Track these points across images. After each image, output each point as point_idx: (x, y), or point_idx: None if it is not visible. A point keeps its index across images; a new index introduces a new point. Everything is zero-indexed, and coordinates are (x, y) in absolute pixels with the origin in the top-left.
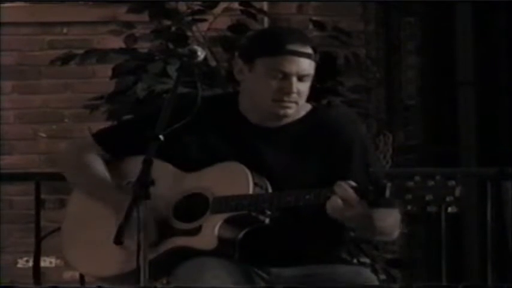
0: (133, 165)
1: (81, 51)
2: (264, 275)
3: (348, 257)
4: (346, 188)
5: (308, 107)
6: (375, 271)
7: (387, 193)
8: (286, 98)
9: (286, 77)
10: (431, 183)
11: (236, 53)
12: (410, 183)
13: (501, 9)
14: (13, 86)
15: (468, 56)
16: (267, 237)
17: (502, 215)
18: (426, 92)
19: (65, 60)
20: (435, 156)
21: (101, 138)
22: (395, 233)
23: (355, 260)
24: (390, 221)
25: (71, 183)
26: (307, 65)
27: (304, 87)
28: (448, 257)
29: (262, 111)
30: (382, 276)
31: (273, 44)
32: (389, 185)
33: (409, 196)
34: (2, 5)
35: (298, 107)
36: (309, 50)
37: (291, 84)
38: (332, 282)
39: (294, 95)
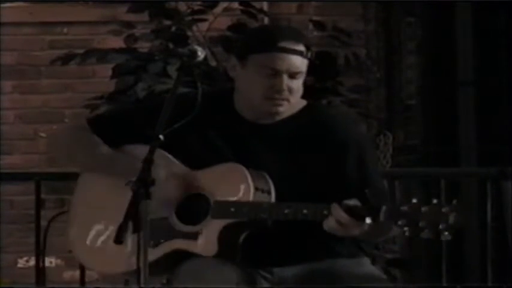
0: (129, 157)
1: (81, 51)
2: (267, 275)
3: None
4: (340, 212)
5: (303, 102)
6: None
7: (381, 217)
8: (277, 96)
9: (277, 74)
10: (425, 209)
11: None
12: (405, 208)
13: (501, 9)
14: (13, 86)
15: (468, 56)
16: (268, 238)
17: (502, 215)
18: (426, 92)
19: (65, 60)
20: (435, 156)
21: (97, 127)
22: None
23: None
24: (384, 233)
25: (72, 163)
26: (298, 62)
27: (295, 85)
28: (448, 257)
29: (255, 109)
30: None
31: (264, 40)
32: (384, 208)
33: (403, 221)
34: (2, 5)
35: (290, 104)
36: (301, 48)
37: (281, 81)
38: (334, 275)
39: (285, 92)
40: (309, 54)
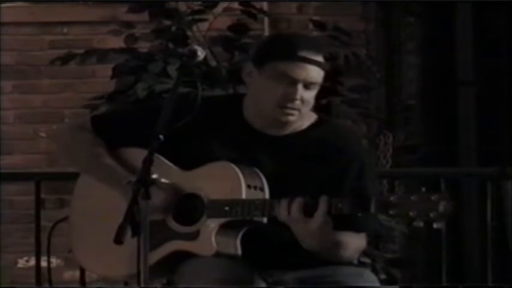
0: (129, 159)
1: (81, 51)
2: (266, 277)
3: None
4: (287, 205)
5: (313, 117)
6: (375, 271)
7: (372, 208)
8: (289, 105)
9: (293, 83)
10: (414, 198)
11: (242, 55)
12: (394, 198)
13: (501, 9)
14: (13, 86)
15: (468, 56)
16: (268, 241)
17: (502, 215)
18: (426, 92)
19: (65, 60)
20: (435, 156)
21: (100, 127)
22: (354, 257)
23: (355, 260)
24: (352, 246)
25: (71, 164)
26: (315, 73)
27: (309, 96)
28: (448, 257)
29: (265, 117)
30: (382, 276)
31: (285, 49)
32: (373, 199)
33: (393, 211)
34: (2, 5)
35: (301, 115)
36: (320, 59)
37: (296, 91)
38: (333, 284)
39: (297, 102)
40: (327, 66)
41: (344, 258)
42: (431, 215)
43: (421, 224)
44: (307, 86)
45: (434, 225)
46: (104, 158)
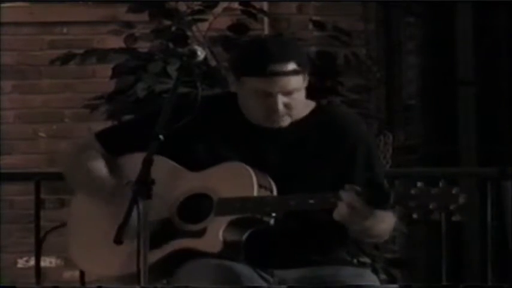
0: (134, 164)
1: (81, 51)
2: (268, 277)
3: (348, 257)
4: (352, 195)
5: (312, 104)
6: (375, 271)
7: (392, 199)
8: (273, 115)
9: (271, 95)
10: (435, 190)
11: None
12: (414, 190)
13: (501, 9)
14: (13, 86)
15: (468, 56)
16: (270, 239)
17: (502, 215)
18: (426, 92)
19: (65, 60)
20: (435, 156)
21: (103, 139)
22: (388, 235)
23: (355, 260)
24: (388, 223)
25: (71, 185)
26: (291, 82)
27: (292, 100)
28: (448, 257)
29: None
30: (382, 276)
31: (255, 64)
32: (393, 191)
33: (412, 204)
34: (2, 5)
35: (292, 117)
36: (292, 66)
37: (276, 102)
38: (334, 284)
39: (282, 111)
40: (305, 66)
41: (383, 235)
42: (451, 207)
43: (438, 216)
44: (286, 93)
45: (453, 218)
46: (103, 169)
